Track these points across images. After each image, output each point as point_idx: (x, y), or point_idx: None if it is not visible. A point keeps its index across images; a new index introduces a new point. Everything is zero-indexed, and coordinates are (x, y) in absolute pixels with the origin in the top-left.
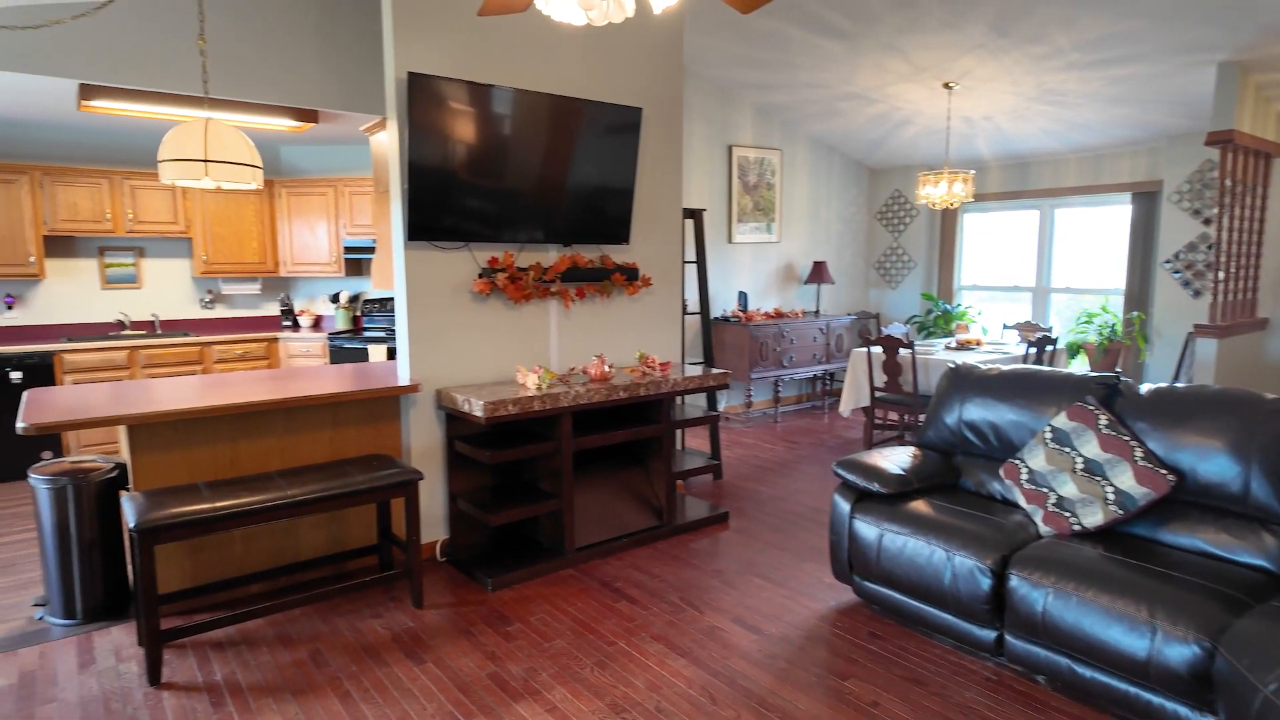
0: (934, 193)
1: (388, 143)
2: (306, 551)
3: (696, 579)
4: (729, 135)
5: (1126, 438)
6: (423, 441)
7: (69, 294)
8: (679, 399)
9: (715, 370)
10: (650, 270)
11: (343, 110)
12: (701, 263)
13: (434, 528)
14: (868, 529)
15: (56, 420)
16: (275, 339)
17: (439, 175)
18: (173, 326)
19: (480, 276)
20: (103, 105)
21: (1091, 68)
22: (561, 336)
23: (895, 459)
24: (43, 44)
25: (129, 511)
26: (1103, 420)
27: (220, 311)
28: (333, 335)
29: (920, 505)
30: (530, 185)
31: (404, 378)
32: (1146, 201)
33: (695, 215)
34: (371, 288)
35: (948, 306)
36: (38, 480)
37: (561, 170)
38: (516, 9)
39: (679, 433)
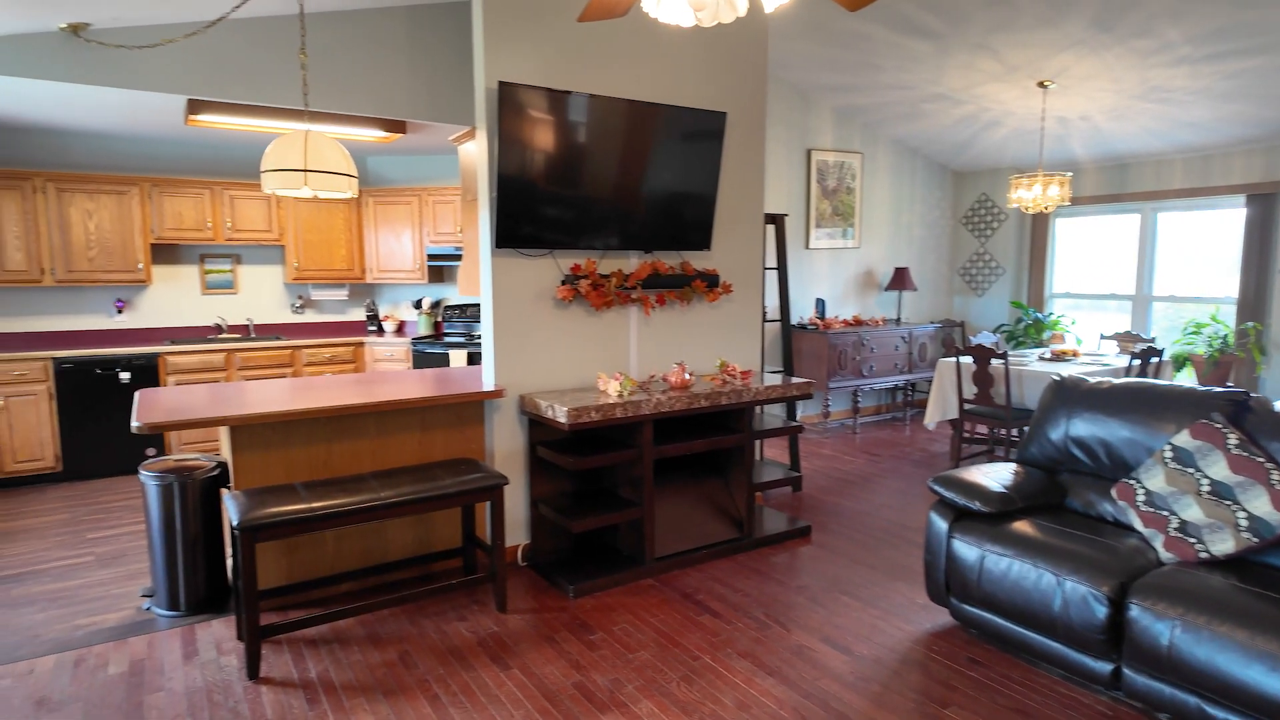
0: (1027, 196)
1: (476, 152)
2: (395, 552)
3: (781, 594)
4: (808, 139)
5: (1261, 459)
6: (506, 446)
7: (172, 299)
8: (759, 408)
9: (797, 379)
10: (730, 276)
11: (430, 121)
12: (783, 269)
13: (515, 532)
14: (968, 549)
15: (167, 420)
16: (361, 343)
17: (526, 183)
18: (266, 330)
19: (563, 283)
20: (208, 119)
21: (1205, 62)
22: (641, 343)
23: (996, 476)
24: (156, 62)
25: (232, 510)
26: (1232, 439)
27: (310, 316)
28: (415, 340)
29: (1025, 526)
30: (613, 192)
31: (488, 383)
32: (1263, 204)
33: (777, 221)
34: (458, 294)
35: (1039, 315)
36: (147, 477)
37: (644, 176)
38: (618, 13)
39: (758, 443)
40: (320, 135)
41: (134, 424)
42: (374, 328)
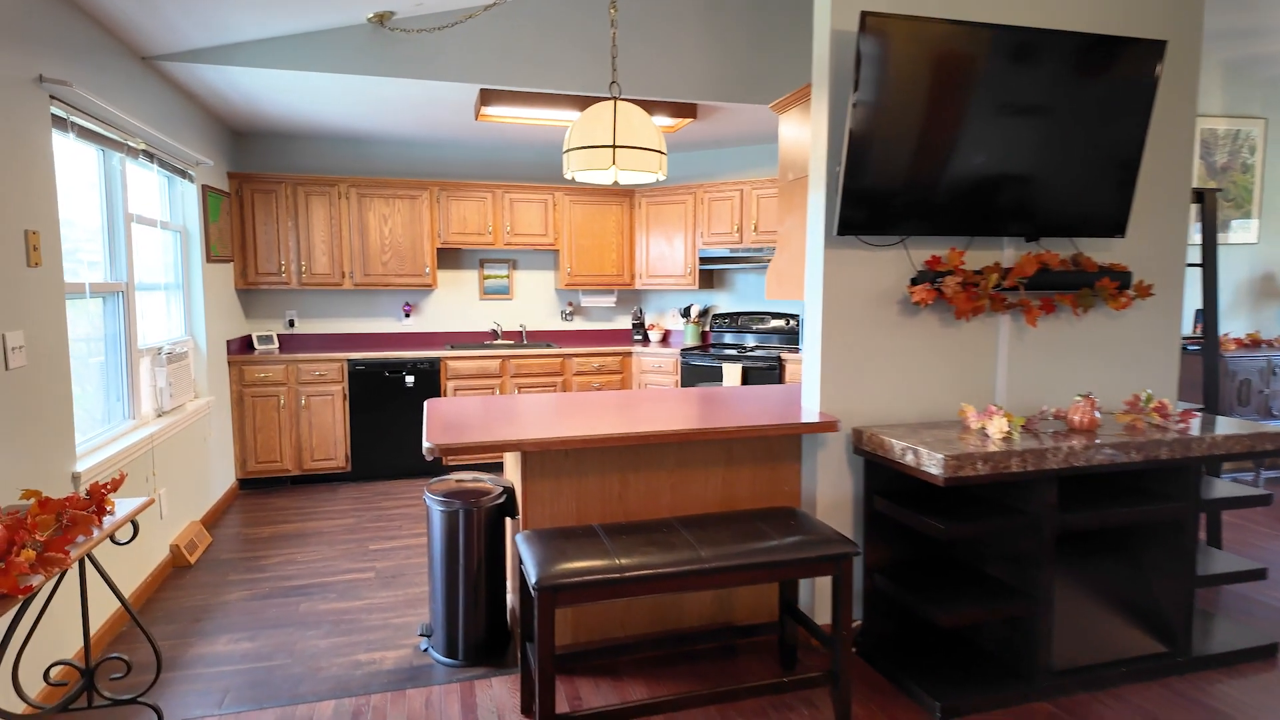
0: None
1: (800, 123)
2: (691, 618)
3: None
4: None
5: None
6: (830, 493)
7: (453, 303)
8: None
9: (1264, 426)
10: (1145, 274)
11: (725, 102)
12: (1210, 265)
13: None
14: None
15: (459, 443)
16: (629, 353)
17: (885, 149)
18: (537, 337)
19: (916, 282)
20: (496, 113)
21: None
22: (1012, 364)
23: None
24: (451, 50)
25: (528, 560)
26: None
27: (578, 324)
28: (684, 351)
29: None
30: (996, 156)
31: (812, 411)
32: None
33: (1205, 197)
34: (765, 298)
35: None
36: (432, 500)
37: (1040, 133)
38: None
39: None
40: (629, 106)
41: (425, 446)
42: (639, 336)
